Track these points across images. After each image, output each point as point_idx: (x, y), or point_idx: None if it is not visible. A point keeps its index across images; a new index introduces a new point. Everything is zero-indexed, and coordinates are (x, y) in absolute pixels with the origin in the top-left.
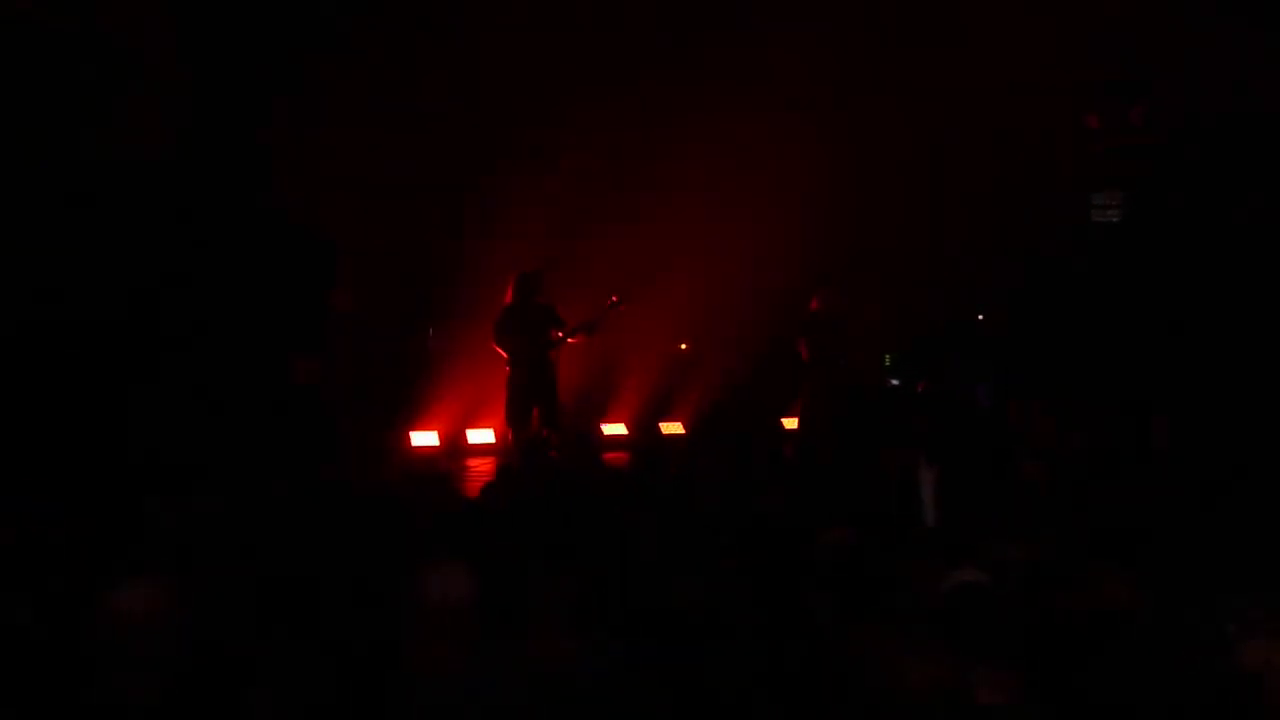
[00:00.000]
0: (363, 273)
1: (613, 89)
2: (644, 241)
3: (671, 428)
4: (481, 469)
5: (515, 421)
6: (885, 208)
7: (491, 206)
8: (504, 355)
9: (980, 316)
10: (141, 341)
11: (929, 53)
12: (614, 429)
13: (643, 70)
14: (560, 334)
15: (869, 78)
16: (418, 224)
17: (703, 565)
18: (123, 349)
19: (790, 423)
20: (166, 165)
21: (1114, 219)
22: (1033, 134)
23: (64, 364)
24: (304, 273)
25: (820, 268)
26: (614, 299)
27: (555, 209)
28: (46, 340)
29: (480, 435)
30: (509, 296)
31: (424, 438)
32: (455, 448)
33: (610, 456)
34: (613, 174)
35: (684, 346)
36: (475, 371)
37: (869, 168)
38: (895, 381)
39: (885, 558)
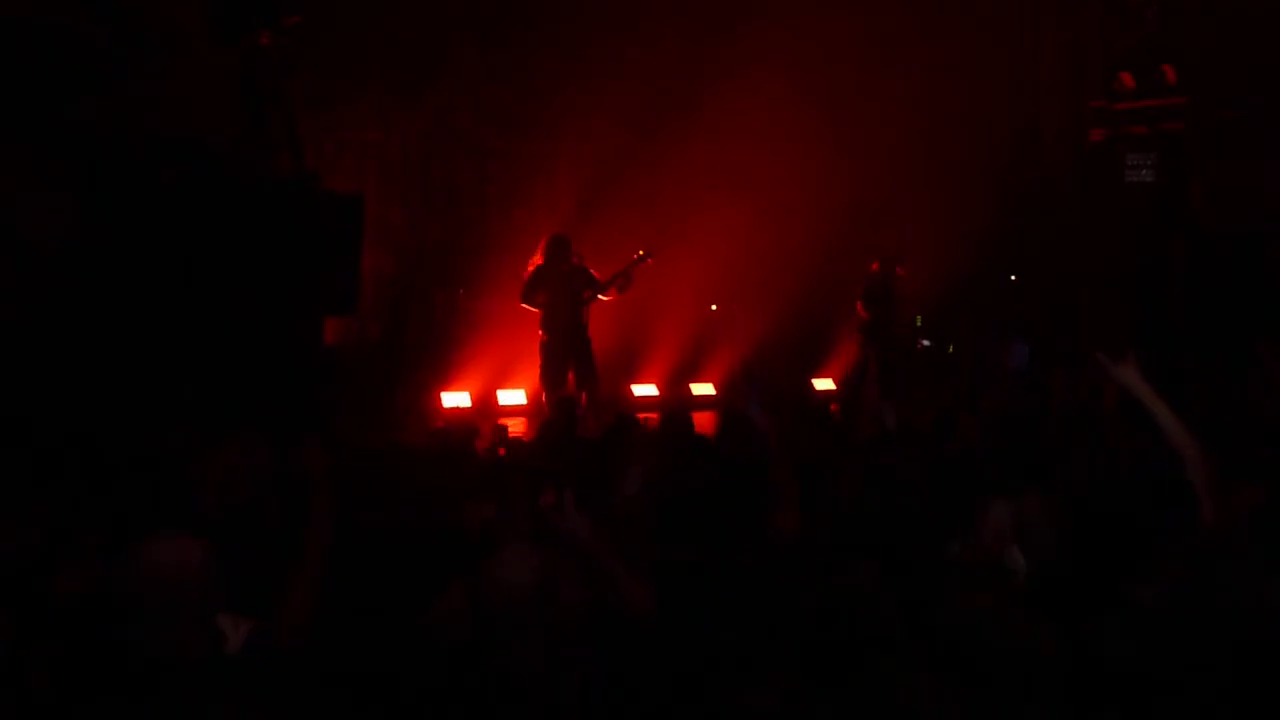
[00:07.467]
0: (393, 234)
1: (643, 49)
2: (675, 202)
3: (702, 388)
4: (513, 430)
5: (550, 383)
6: (917, 166)
7: (520, 166)
8: (534, 312)
9: (1013, 277)
10: (162, 307)
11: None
12: (645, 389)
13: (673, 30)
14: (591, 292)
15: (904, 34)
16: (446, 184)
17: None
18: (143, 314)
19: (821, 383)
20: (186, 136)
21: (1148, 179)
22: (1064, 93)
23: (84, 328)
24: (332, 233)
25: (849, 227)
26: (640, 253)
27: (586, 170)
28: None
29: (511, 396)
30: (539, 257)
31: (455, 398)
32: (487, 408)
33: (641, 416)
34: (645, 134)
35: (714, 307)
36: (507, 332)
37: (900, 127)
38: (926, 343)
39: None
